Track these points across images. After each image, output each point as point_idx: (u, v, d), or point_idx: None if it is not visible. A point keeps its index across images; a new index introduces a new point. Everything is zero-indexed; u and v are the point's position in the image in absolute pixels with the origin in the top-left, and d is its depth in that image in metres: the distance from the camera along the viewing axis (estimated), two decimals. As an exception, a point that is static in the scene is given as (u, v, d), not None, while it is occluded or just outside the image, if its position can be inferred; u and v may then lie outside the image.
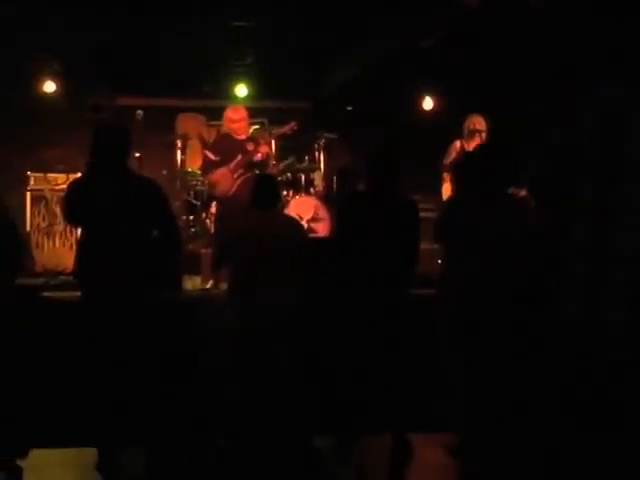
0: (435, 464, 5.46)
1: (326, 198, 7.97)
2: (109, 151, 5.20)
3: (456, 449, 5.40)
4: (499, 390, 5.32)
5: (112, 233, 5.11)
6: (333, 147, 8.37)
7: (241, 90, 8.59)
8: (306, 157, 8.32)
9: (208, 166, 7.37)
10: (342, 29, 7.74)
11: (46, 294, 6.32)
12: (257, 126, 8.10)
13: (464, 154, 7.04)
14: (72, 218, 5.36)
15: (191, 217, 7.73)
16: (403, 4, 7.06)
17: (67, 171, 7.53)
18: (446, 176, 7.44)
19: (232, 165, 7.17)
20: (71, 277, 5.84)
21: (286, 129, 7.88)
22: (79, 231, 5.51)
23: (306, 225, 6.96)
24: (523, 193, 6.62)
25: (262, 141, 7.53)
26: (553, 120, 7.32)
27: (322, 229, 7.49)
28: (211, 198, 7.36)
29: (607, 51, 6.66)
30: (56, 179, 7.57)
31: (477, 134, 7.38)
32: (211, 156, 7.31)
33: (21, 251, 5.53)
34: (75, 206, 5.25)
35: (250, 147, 7.25)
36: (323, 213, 7.59)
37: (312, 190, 8.08)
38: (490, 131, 7.44)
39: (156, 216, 5.25)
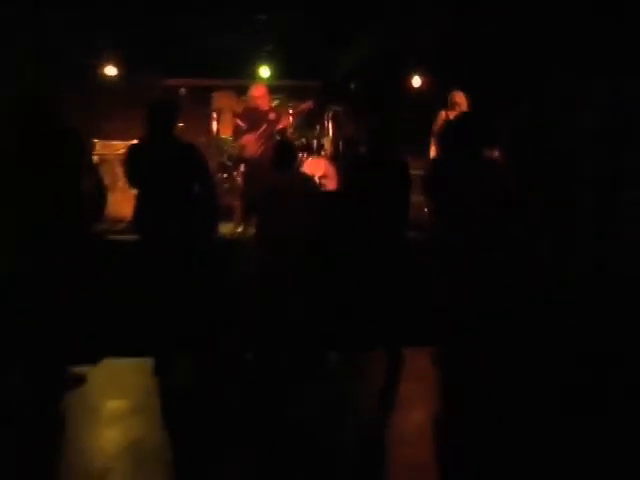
0: (423, 373, 5.53)
1: (334, 159, 8.03)
2: (160, 121, 5.30)
3: (439, 360, 5.50)
4: (479, 308, 5.35)
5: (163, 189, 5.24)
6: (340, 118, 8.39)
7: (264, 71, 8.65)
8: (317, 126, 8.37)
9: (238, 133, 7.47)
10: (345, 24, 7.80)
11: (110, 237, 6.45)
12: (277, 101, 8.12)
13: (446, 122, 7.09)
14: (131, 177, 5.43)
15: (225, 175, 7.82)
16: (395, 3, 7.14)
17: (125, 139, 7.62)
18: (433, 140, 7.51)
19: (258, 132, 7.26)
20: (130, 224, 5.91)
21: (304, 107, 7.91)
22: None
23: (318, 181, 7.03)
24: (496, 154, 6.67)
25: (283, 113, 7.61)
26: (524, 95, 7.34)
27: (331, 184, 7.55)
28: (240, 160, 7.43)
29: (560, 42, 6.68)
30: (116, 145, 7.66)
31: (457, 106, 7.44)
32: (240, 123, 7.40)
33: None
34: (133, 167, 5.37)
35: (272, 117, 7.34)
36: (331, 171, 7.65)
37: (322, 153, 8.15)
38: (469, 103, 7.50)
39: (197, 175, 5.36)
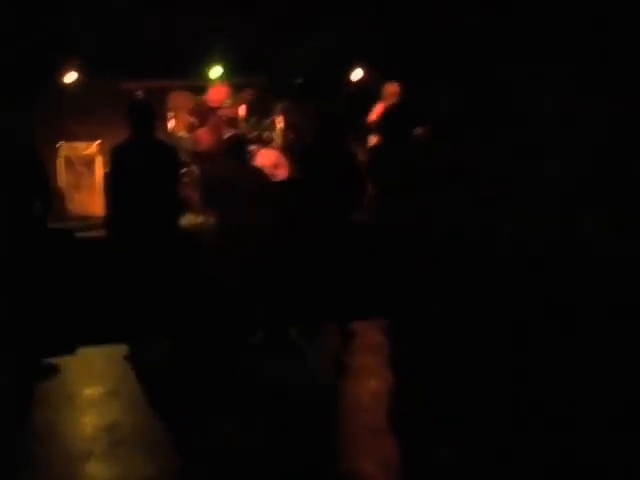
0: (375, 343, 5.59)
1: (285, 150, 7.96)
2: (143, 123, 5.26)
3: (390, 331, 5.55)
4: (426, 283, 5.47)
5: (149, 189, 5.22)
6: (288, 111, 8.30)
7: (216, 71, 8.49)
8: (268, 119, 8.28)
9: (191, 129, 7.43)
10: (290, 24, 7.76)
11: (79, 234, 6.29)
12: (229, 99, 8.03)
13: (384, 112, 7.07)
14: (118, 177, 5.32)
15: (184, 169, 7.68)
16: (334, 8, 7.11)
17: (88, 139, 7.49)
18: (371, 130, 7.51)
19: (208, 125, 7.23)
20: (102, 221, 5.90)
21: (245, 96, 7.91)
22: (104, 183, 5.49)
23: (269, 171, 6.94)
24: (420, 131, 6.65)
25: (231, 106, 7.54)
26: (453, 84, 7.37)
27: (282, 174, 7.49)
28: (195, 154, 7.30)
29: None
30: (80, 146, 7.48)
31: (391, 96, 7.43)
32: (192, 119, 7.35)
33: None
34: (119, 168, 5.28)
35: (221, 111, 7.28)
36: (283, 162, 7.58)
37: (273, 144, 8.07)
38: (401, 93, 7.49)
39: (176, 176, 5.46)
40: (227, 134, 6.42)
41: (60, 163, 7.30)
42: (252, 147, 7.69)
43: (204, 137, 7.23)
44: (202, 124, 7.31)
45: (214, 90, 7.48)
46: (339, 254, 5.54)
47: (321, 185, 5.62)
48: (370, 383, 4.90)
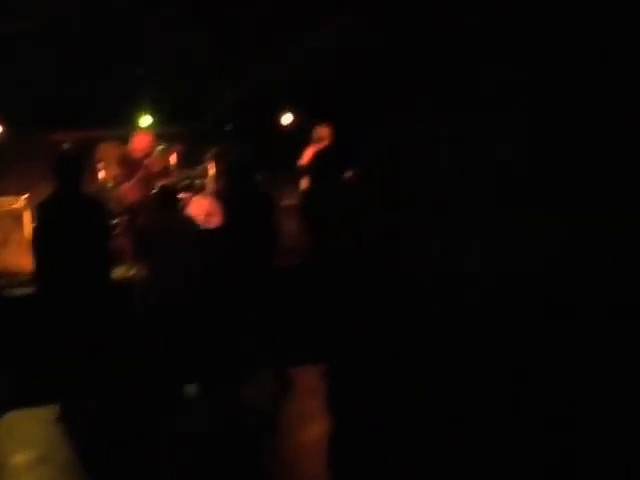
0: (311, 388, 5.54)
1: (217, 196, 7.90)
2: (69, 175, 5.17)
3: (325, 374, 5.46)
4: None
5: (69, 239, 5.08)
6: (219, 157, 8.27)
7: (145, 120, 8.44)
8: (199, 166, 8.22)
9: (117, 181, 7.32)
10: (219, 71, 7.78)
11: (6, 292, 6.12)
12: (161, 146, 7.94)
13: (314, 154, 7.10)
14: (43, 234, 5.18)
15: (116, 220, 7.55)
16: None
17: (15, 194, 7.32)
18: (302, 173, 7.53)
19: (135, 179, 7.12)
20: (31, 278, 5.70)
21: (173, 150, 7.81)
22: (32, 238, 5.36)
23: (203, 219, 6.86)
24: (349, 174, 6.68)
25: (158, 158, 7.48)
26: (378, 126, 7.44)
27: (216, 221, 7.41)
28: (123, 209, 7.19)
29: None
30: (7, 201, 7.29)
31: (321, 139, 7.47)
32: (118, 171, 7.28)
33: None
34: (45, 224, 5.15)
35: (147, 162, 7.21)
36: (215, 209, 7.51)
37: (206, 191, 8.01)
38: (331, 136, 7.54)
39: (99, 225, 5.30)
40: (157, 185, 6.36)
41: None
42: (185, 195, 7.64)
43: (130, 192, 7.11)
44: (129, 176, 7.17)
45: (136, 140, 7.39)
46: (264, 300, 5.51)
47: (242, 231, 5.62)
48: (310, 428, 4.85)
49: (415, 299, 5.91)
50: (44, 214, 5.16)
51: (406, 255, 5.91)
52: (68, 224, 5.10)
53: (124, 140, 8.11)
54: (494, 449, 4.15)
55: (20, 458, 4.62)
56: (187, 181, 7.83)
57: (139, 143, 7.28)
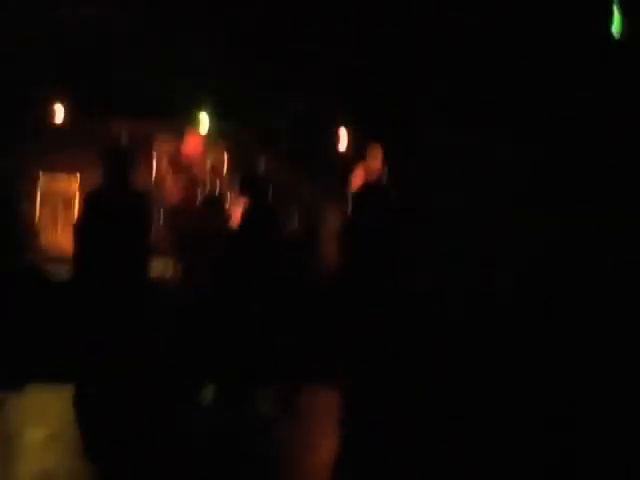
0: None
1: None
2: (118, 170, 5.28)
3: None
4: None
5: (111, 232, 5.21)
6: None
7: (202, 118, 8.57)
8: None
9: (165, 180, 7.55)
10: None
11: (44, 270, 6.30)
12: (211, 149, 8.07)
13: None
14: (87, 223, 5.34)
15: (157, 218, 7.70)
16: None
17: (68, 172, 7.52)
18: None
19: (181, 180, 7.30)
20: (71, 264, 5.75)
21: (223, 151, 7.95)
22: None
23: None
24: None
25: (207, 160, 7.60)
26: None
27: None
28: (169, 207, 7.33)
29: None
30: (60, 178, 7.48)
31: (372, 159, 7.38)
32: (167, 168, 7.43)
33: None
34: (90, 214, 5.29)
35: (196, 165, 7.38)
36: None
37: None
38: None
39: (146, 227, 5.43)
40: (204, 188, 6.50)
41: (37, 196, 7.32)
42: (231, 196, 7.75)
43: (175, 191, 7.28)
44: (178, 176, 7.36)
45: (189, 141, 7.55)
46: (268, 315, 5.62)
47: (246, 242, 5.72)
48: (320, 446, 4.85)
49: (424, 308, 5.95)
50: (89, 206, 5.32)
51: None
52: (110, 219, 5.23)
53: (180, 134, 8.30)
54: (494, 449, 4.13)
55: (34, 434, 4.73)
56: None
57: (190, 144, 7.46)
